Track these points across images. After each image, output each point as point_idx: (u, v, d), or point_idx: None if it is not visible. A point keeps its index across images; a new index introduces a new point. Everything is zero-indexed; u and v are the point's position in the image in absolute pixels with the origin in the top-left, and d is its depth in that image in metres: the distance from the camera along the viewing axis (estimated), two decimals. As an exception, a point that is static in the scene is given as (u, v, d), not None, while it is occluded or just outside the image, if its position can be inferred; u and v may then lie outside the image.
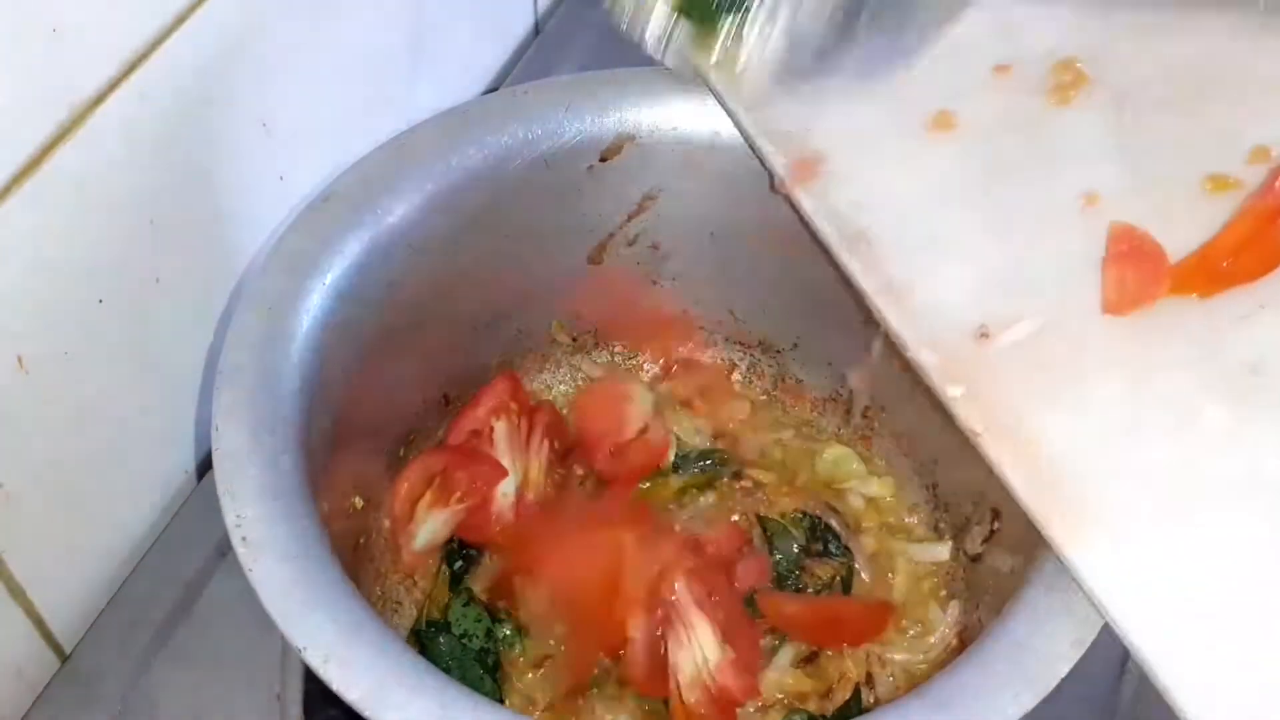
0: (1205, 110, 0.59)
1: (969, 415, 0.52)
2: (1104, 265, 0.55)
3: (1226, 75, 0.60)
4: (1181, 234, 0.55)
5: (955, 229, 0.57)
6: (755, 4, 0.54)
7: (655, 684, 0.61)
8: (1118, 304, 0.54)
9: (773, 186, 0.61)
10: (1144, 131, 0.59)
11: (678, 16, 0.55)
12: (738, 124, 0.62)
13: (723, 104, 0.62)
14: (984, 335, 0.53)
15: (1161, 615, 0.46)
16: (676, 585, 0.62)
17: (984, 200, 0.58)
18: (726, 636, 0.61)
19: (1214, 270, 0.54)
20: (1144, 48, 0.61)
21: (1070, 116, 0.60)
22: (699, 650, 0.61)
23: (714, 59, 0.57)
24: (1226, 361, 0.52)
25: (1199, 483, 0.49)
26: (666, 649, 0.61)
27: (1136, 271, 0.54)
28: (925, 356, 0.53)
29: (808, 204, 0.59)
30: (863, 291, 0.56)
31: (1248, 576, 0.47)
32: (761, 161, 0.62)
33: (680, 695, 0.60)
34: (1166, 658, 0.45)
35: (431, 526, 0.66)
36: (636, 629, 0.61)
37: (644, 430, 0.73)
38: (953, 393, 0.52)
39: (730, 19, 0.53)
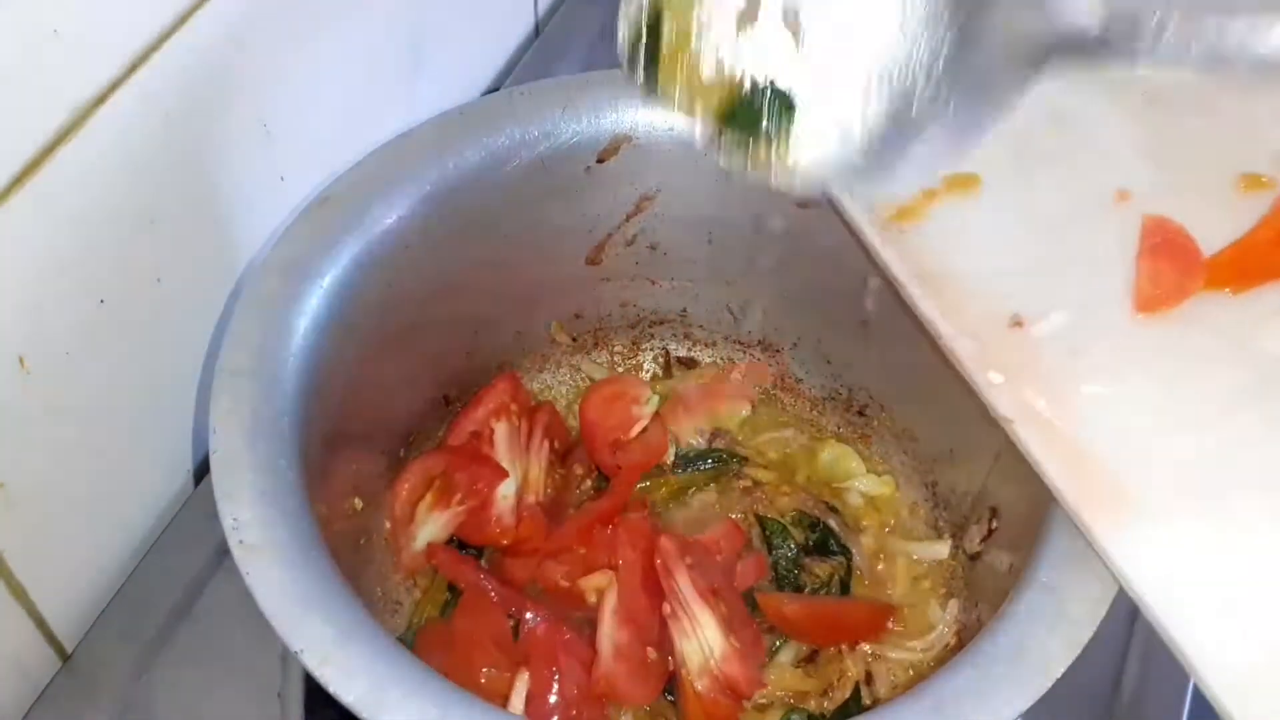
0: (1236, 109, 0.60)
1: (1002, 403, 0.52)
2: (1138, 258, 0.55)
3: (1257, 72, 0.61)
4: (1214, 231, 0.56)
5: (989, 221, 0.57)
6: (800, 111, 0.53)
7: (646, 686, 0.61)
8: (1152, 299, 0.54)
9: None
10: (1175, 128, 0.59)
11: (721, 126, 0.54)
12: None
13: None
14: (1017, 325, 0.54)
15: (1194, 603, 0.47)
16: (679, 579, 0.62)
17: (1017, 194, 0.58)
18: (729, 630, 0.62)
19: (1247, 266, 0.54)
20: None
21: (1103, 110, 0.60)
22: (704, 641, 0.61)
23: (764, 163, 0.57)
24: (1259, 355, 0.52)
25: (1231, 473, 0.50)
26: (672, 641, 0.62)
27: (1171, 265, 0.54)
28: (962, 345, 0.53)
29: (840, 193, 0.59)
30: (896, 281, 0.56)
31: (1278, 565, 0.48)
32: None
33: (690, 684, 0.60)
34: (1198, 645, 0.46)
35: (432, 528, 0.66)
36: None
37: (644, 429, 0.73)
38: (994, 379, 0.52)
39: (775, 124, 0.53)
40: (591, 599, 0.63)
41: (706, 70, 0.51)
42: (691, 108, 0.52)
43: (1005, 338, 0.54)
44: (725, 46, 0.51)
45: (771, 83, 0.51)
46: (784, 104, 0.51)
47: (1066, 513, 0.50)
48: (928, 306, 0.55)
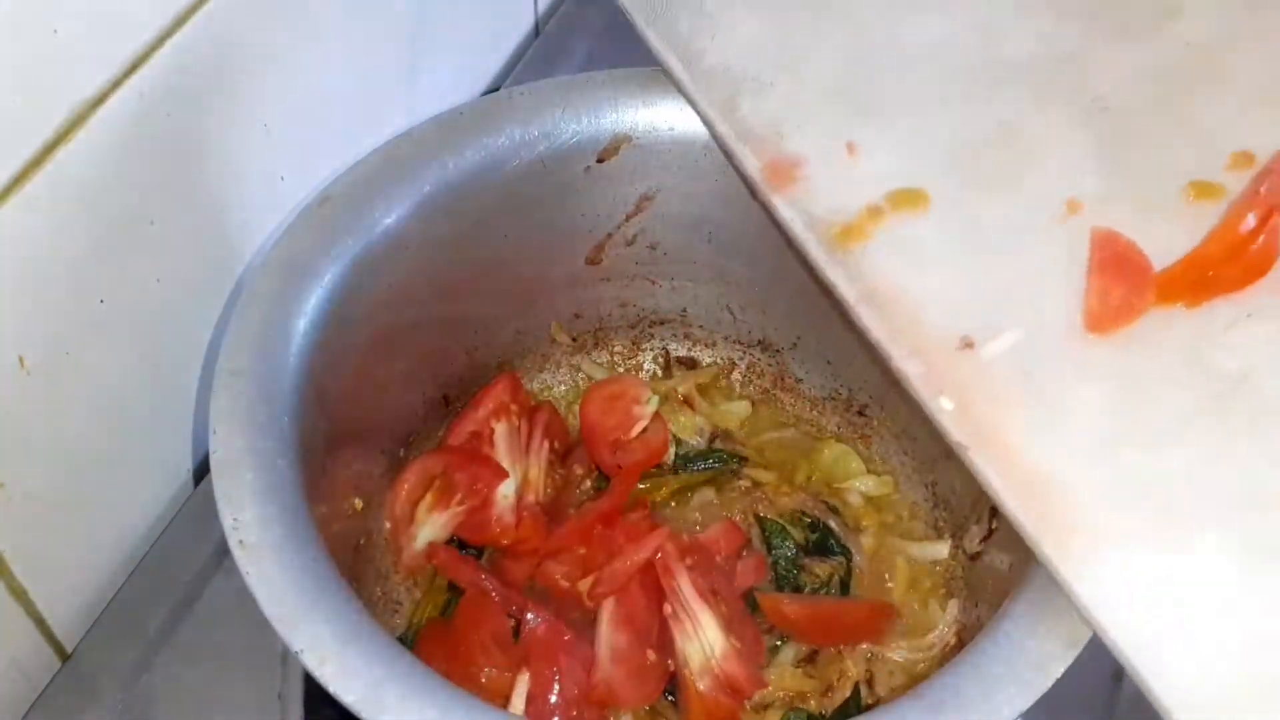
0: (1186, 115, 0.59)
1: (955, 428, 0.51)
2: (1088, 275, 0.53)
3: (1207, 78, 0.60)
4: (1165, 241, 0.54)
5: (937, 238, 0.56)
6: None
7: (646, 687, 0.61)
8: (1101, 318, 0.53)
9: (753, 194, 0.60)
10: (1125, 136, 0.58)
11: None
12: (709, 127, 0.61)
13: (695, 107, 0.61)
14: (968, 346, 0.52)
15: (1152, 628, 0.46)
16: (679, 579, 0.62)
17: (965, 209, 0.57)
18: (729, 629, 0.62)
19: (1199, 280, 0.53)
20: (1124, 50, 0.61)
21: (1051, 119, 0.59)
22: (705, 640, 0.61)
23: None
24: (1214, 371, 0.51)
25: (1190, 494, 0.49)
26: (673, 642, 0.62)
27: (1120, 282, 0.53)
28: (910, 366, 0.52)
29: (784, 211, 0.58)
30: (844, 302, 0.55)
31: (1239, 587, 0.47)
32: (735, 167, 0.60)
33: (693, 684, 0.60)
34: (1157, 671, 0.45)
35: (432, 528, 0.66)
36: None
37: (644, 430, 0.73)
38: (945, 405, 0.51)
39: None
40: (591, 601, 0.63)
41: None
42: None
43: (956, 359, 0.52)
44: None
45: None
46: None
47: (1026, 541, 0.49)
48: (876, 328, 0.53)
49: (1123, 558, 0.47)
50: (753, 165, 0.59)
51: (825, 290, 0.56)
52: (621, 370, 0.78)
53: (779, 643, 0.65)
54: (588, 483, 0.71)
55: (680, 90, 0.62)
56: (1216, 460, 0.50)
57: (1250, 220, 0.54)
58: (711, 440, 0.74)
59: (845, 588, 0.68)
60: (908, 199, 0.57)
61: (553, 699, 0.59)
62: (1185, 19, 0.61)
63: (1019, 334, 0.53)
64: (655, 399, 0.73)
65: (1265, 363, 0.51)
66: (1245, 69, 0.59)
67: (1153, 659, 0.45)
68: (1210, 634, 0.46)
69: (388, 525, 0.66)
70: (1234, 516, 0.48)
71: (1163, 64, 0.60)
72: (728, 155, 0.60)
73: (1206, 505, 0.49)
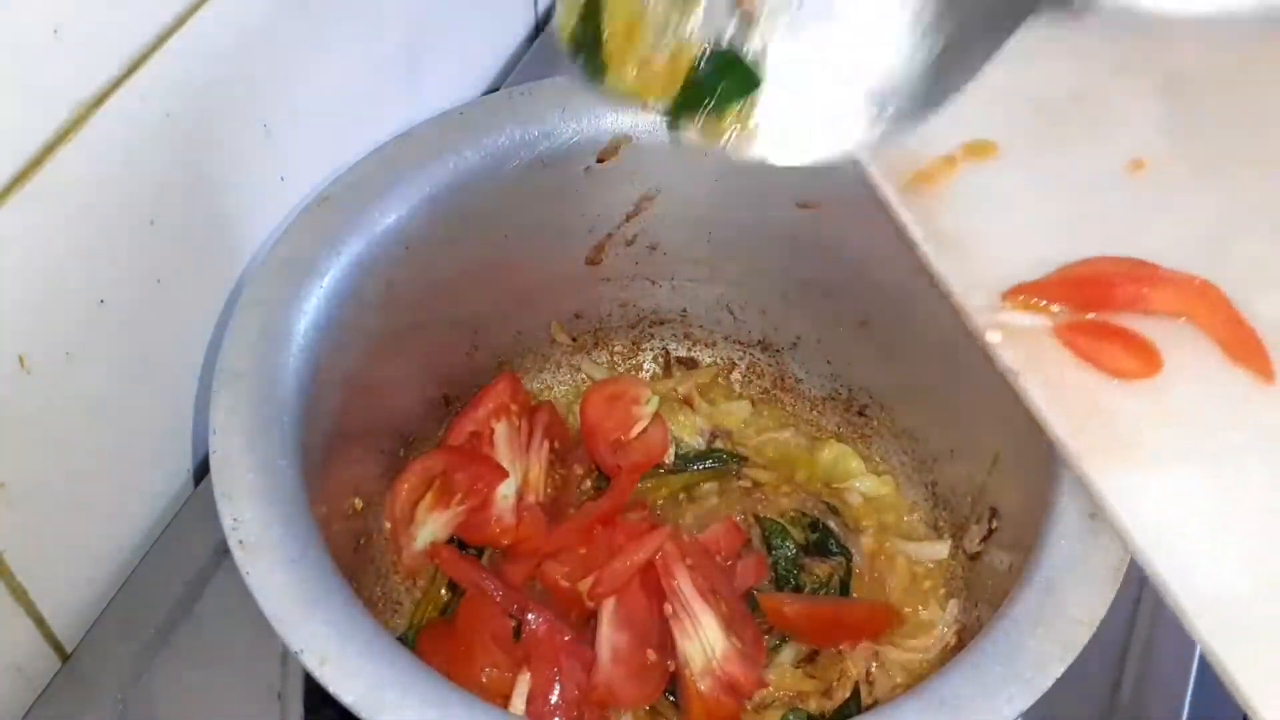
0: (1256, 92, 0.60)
1: (1004, 355, 0.52)
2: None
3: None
4: (1214, 208, 0.56)
5: (1005, 186, 0.58)
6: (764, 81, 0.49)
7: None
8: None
9: None
10: (1195, 106, 0.60)
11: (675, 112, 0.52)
12: None
13: None
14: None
15: (1190, 550, 0.46)
16: (679, 579, 0.62)
17: (1033, 160, 0.59)
18: (730, 629, 0.62)
19: None
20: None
21: (1124, 86, 0.61)
22: (706, 640, 0.61)
23: (728, 136, 0.55)
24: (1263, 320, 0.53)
25: (1235, 425, 0.50)
26: (674, 642, 0.62)
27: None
28: (972, 300, 0.53)
29: (863, 153, 0.59)
30: (913, 241, 0.56)
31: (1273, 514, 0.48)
32: None
33: (694, 684, 0.60)
34: (1193, 594, 0.45)
35: (432, 528, 0.66)
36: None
37: (644, 430, 0.73)
38: (993, 339, 0.52)
39: (734, 93, 0.51)
40: (591, 601, 0.63)
41: (657, 48, 0.48)
42: (644, 94, 0.49)
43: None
44: (678, 21, 0.48)
45: (729, 51, 0.48)
46: (744, 74, 0.48)
47: (1068, 463, 0.49)
48: (941, 265, 0.55)
49: (1166, 480, 0.48)
50: None
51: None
52: (621, 370, 0.78)
53: (779, 643, 0.65)
54: (588, 483, 0.72)
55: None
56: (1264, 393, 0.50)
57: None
58: (711, 440, 0.74)
59: (845, 588, 0.68)
60: (979, 149, 0.59)
61: (553, 699, 0.59)
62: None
63: None
64: (655, 399, 0.73)
65: None
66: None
67: (1189, 581, 0.46)
68: (1246, 557, 0.47)
69: (388, 525, 0.66)
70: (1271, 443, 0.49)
71: (1231, 42, 0.61)
72: None
73: (1252, 438, 0.49)
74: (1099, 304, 0.54)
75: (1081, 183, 0.58)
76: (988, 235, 0.56)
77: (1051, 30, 0.58)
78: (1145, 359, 0.52)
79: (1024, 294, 0.54)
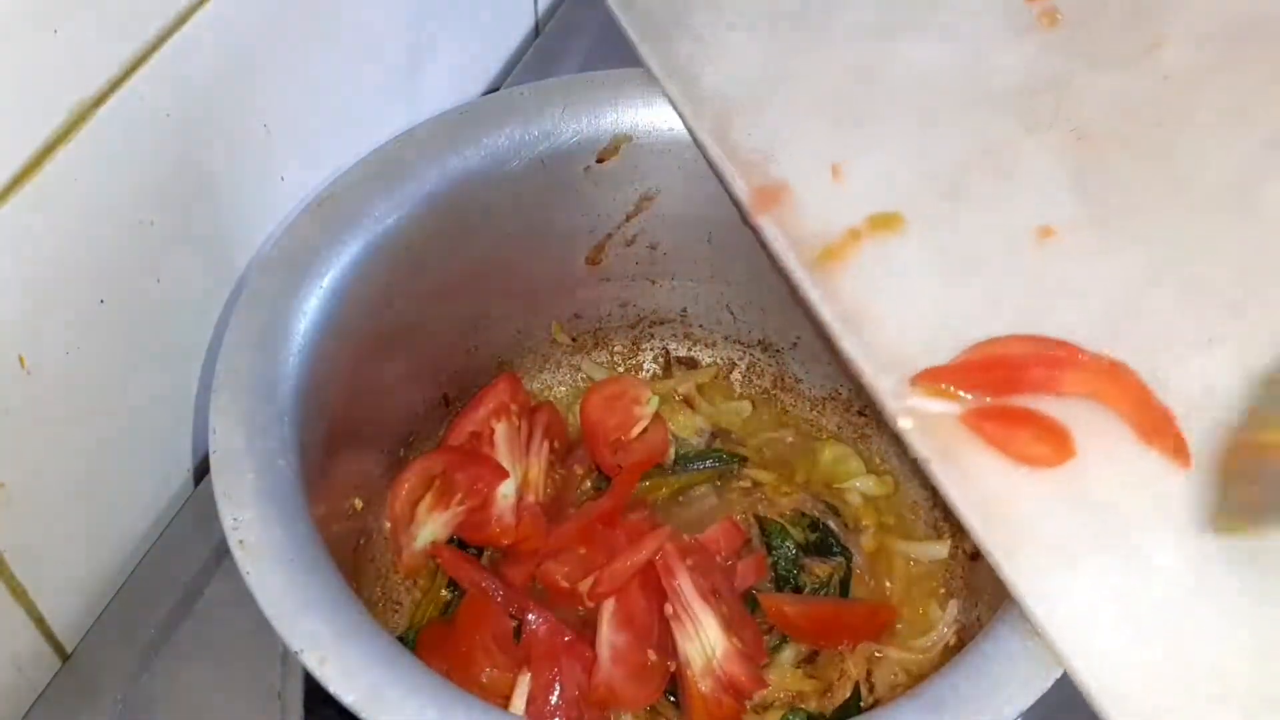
0: (1164, 144, 0.59)
1: (918, 444, 0.52)
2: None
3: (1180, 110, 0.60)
4: (1124, 271, 0.55)
5: (911, 260, 0.57)
6: None
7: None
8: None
9: (742, 216, 0.61)
10: (1100, 166, 0.59)
11: None
12: (702, 149, 0.62)
13: (688, 128, 0.63)
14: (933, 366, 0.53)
15: (1103, 641, 0.46)
16: (680, 579, 0.62)
17: (941, 232, 0.58)
18: (731, 629, 0.62)
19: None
20: (1105, 79, 0.61)
21: (1030, 147, 0.60)
22: (706, 641, 0.61)
23: None
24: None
25: (1147, 510, 0.49)
26: (674, 642, 0.62)
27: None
28: (882, 383, 0.53)
29: (769, 232, 0.59)
30: (821, 320, 0.56)
31: (1191, 598, 0.47)
32: (725, 188, 0.62)
33: (695, 685, 0.60)
34: (1108, 692, 0.46)
35: (432, 528, 0.66)
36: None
37: (644, 430, 0.73)
38: (905, 425, 0.52)
39: None
40: (591, 601, 0.63)
41: None
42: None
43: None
44: None
45: None
46: None
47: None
48: (849, 346, 0.55)
49: (1074, 573, 0.48)
50: (741, 189, 0.60)
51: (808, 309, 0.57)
52: (621, 370, 0.78)
53: (779, 643, 0.65)
54: (588, 483, 0.72)
55: (675, 110, 0.63)
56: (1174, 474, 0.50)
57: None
58: (711, 440, 0.74)
59: (845, 588, 0.68)
60: (884, 222, 0.58)
61: (553, 699, 0.59)
62: (1169, 48, 0.62)
63: None
64: (655, 399, 0.73)
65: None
66: (1218, 101, 0.60)
67: (1102, 672, 0.46)
68: (1160, 642, 0.46)
69: (388, 525, 0.66)
70: (1184, 537, 0.49)
71: (1140, 95, 0.61)
72: (718, 177, 0.62)
73: (1152, 523, 0.49)
74: (1008, 388, 0.52)
75: (989, 253, 0.57)
76: (894, 314, 0.55)
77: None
78: (1056, 445, 0.51)
79: (932, 379, 0.53)
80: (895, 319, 0.55)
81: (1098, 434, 0.51)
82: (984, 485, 0.50)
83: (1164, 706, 0.45)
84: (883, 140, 0.61)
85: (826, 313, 0.56)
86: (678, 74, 0.63)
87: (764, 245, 0.59)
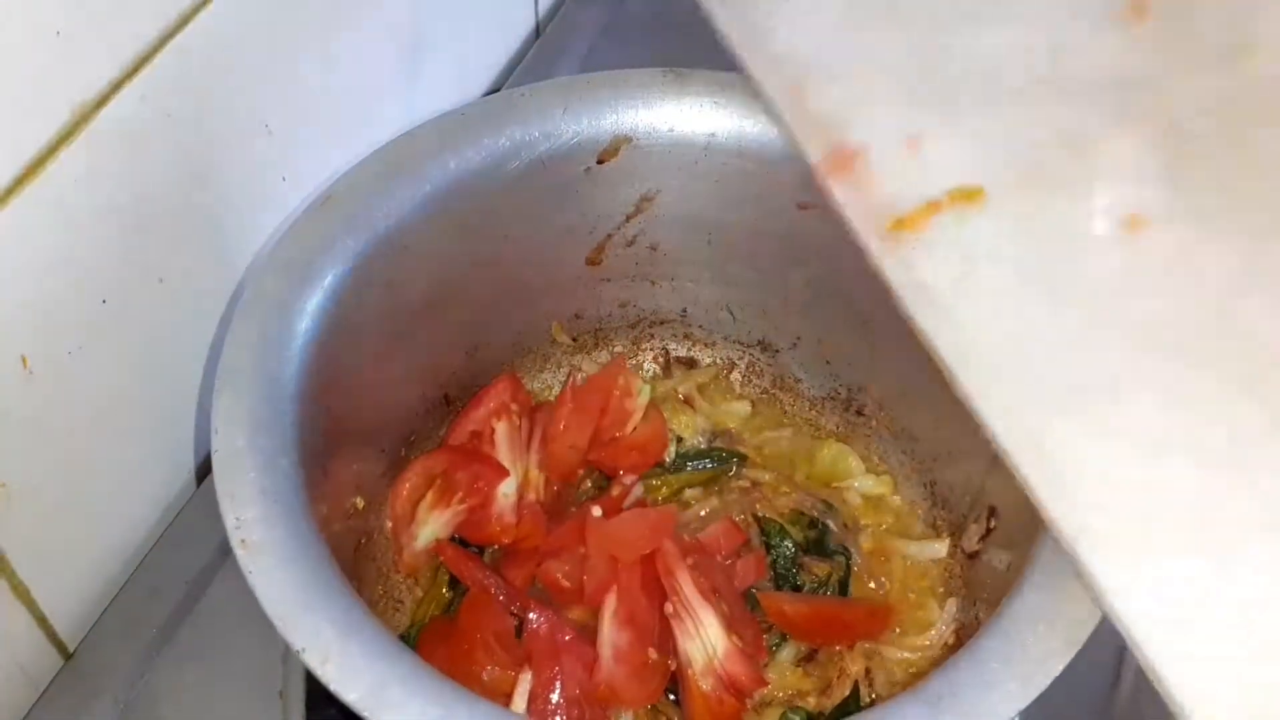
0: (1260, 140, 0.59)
1: (997, 427, 0.51)
2: None
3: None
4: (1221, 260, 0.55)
5: (990, 234, 0.57)
6: None
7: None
8: None
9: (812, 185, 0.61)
10: (1194, 161, 0.59)
11: None
12: (773, 112, 0.62)
13: (760, 91, 0.62)
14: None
15: (1181, 637, 0.45)
16: (680, 578, 0.63)
17: (1023, 209, 0.58)
18: (731, 628, 0.62)
19: None
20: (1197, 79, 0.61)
21: (1118, 135, 0.60)
22: (707, 640, 0.61)
23: None
24: (1269, 396, 0.52)
25: (1237, 510, 0.48)
26: (675, 641, 0.62)
27: None
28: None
29: (840, 196, 0.59)
30: (891, 287, 0.56)
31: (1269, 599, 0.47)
32: (797, 153, 0.61)
33: (696, 684, 0.61)
34: (1181, 680, 0.45)
35: (433, 527, 0.66)
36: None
37: (643, 430, 0.73)
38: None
39: None
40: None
41: None
42: None
43: None
44: None
45: None
46: None
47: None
48: (920, 316, 0.55)
49: (1156, 563, 0.48)
50: (814, 152, 0.60)
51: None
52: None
53: (778, 642, 0.65)
54: (588, 483, 0.72)
55: (745, 72, 0.63)
56: (1271, 476, 0.50)
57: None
58: (711, 440, 0.74)
59: (844, 587, 0.68)
60: (965, 195, 0.58)
61: (555, 698, 0.60)
62: (1263, 50, 0.62)
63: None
64: (647, 388, 0.73)
65: None
66: None
67: (1179, 667, 0.45)
68: (1243, 654, 0.46)
69: (389, 524, 0.66)
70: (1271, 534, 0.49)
71: (1234, 93, 0.60)
72: (791, 142, 0.61)
73: (1252, 525, 0.49)
74: None
75: (1075, 235, 0.57)
76: (970, 286, 0.55)
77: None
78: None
79: None
80: (969, 291, 0.55)
81: None
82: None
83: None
84: (959, 118, 0.60)
85: (896, 280, 0.55)
86: (749, 33, 0.63)
87: (836, 212, 0.59)
